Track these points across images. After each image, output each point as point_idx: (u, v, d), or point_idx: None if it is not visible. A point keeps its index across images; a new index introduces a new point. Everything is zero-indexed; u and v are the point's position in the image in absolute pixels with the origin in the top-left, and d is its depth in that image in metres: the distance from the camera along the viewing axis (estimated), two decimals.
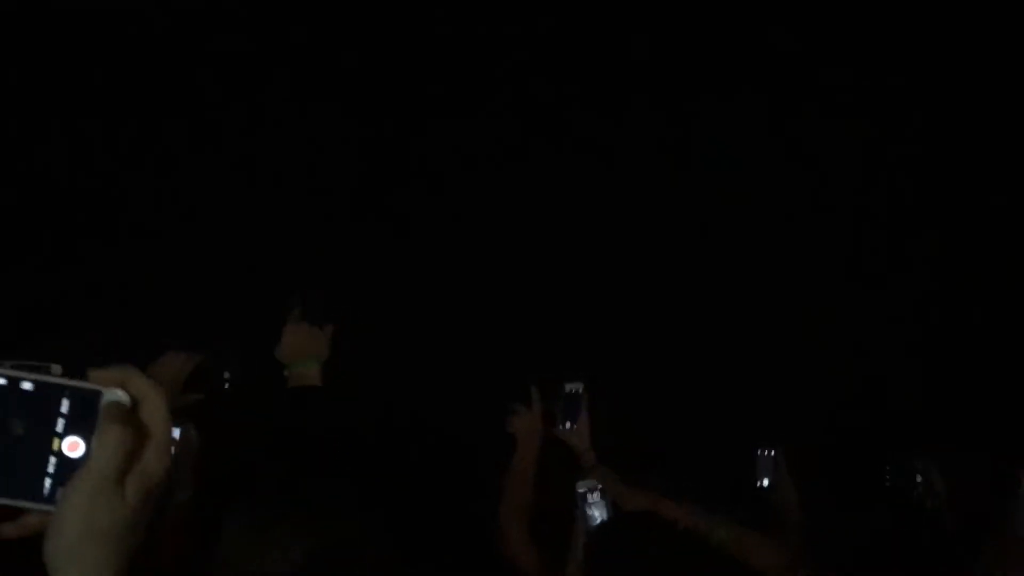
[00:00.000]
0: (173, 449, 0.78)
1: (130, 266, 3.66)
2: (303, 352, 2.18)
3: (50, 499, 0.74)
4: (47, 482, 0.74)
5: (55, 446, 0.74)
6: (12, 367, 0.74)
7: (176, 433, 2.12)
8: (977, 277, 4.01)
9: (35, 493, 0.74)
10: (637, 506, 2.44)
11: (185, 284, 3.66)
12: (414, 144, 4.02)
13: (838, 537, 2.22)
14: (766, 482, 2.88)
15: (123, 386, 0.76)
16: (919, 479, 2.67)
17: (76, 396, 0.75)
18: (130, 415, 0.75)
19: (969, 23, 3.93)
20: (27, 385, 0.74)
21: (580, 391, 2.78)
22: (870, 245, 4.09)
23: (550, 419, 2.78)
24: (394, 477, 2.21)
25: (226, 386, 2.45)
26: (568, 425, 2.75)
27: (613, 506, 2.54)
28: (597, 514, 2.51)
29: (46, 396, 0.74)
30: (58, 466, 0.74)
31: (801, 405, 3.71)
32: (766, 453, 2.91)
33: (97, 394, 0.75)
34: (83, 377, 0.76)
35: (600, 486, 2.55)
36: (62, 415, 0.75)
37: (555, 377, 2.83)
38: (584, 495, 2.53)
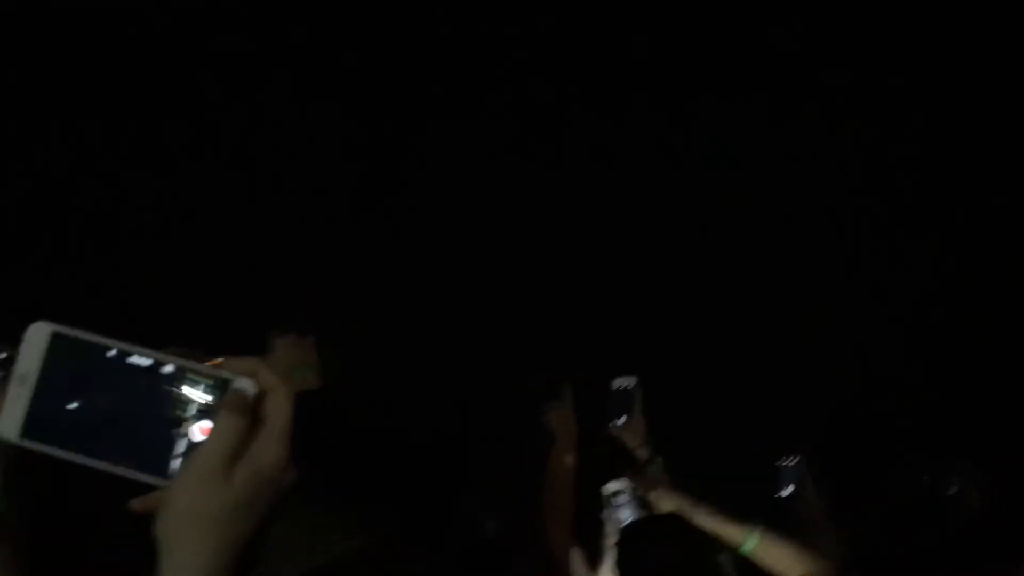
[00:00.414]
0: None
1: (128, 267, 3.65)
2: (297, 362, 2.25)
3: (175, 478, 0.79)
4: (175, 463, 0.79)
5: (186, 429, 0.78)
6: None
7: None
8: (978, 278, 4.00)
9: (163, 472, 0.79)
10: (669, 509, 2.42)
11: (184, 285, 3.65)
12: (415, 144, 4.01)
13: (888, 545, 2.20)
14: (790, 490, 2.86)
15: (253, 376, 0.79)
16: (954, 489, 2.64)
17: (210, 382, 0.79)
18: (254, 406, 0.77)
19: (969, 23, 3.92)
20: (168, 368, 0.79)
21: (632, 387, 2.77)
22: (873, 246, 4.07)
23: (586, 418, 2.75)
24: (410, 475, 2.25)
25: None
26: (620, 421, 2.73)
27: (643, 507, 2.52)
28: (626, 515, 2.49)
29: (182, 379, 0.79)
30: (188, 448, 0.78)
31: (819, 410, 3.71)
32: (788, 462, 2.89)
33: (227, 382, 0.79)
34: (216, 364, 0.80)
35: (630, 486, 2.53)
36: (195, 400, 0.79)
37: (571, 377, 2.80)
38: (612, 496, 2.51)
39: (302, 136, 3.89)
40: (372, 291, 3.77)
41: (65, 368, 0.78)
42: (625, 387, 2.79)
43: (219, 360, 0.81)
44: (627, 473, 2.60)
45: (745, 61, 3.98)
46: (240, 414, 0.76)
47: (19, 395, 0.78)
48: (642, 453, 2.74)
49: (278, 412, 0.77)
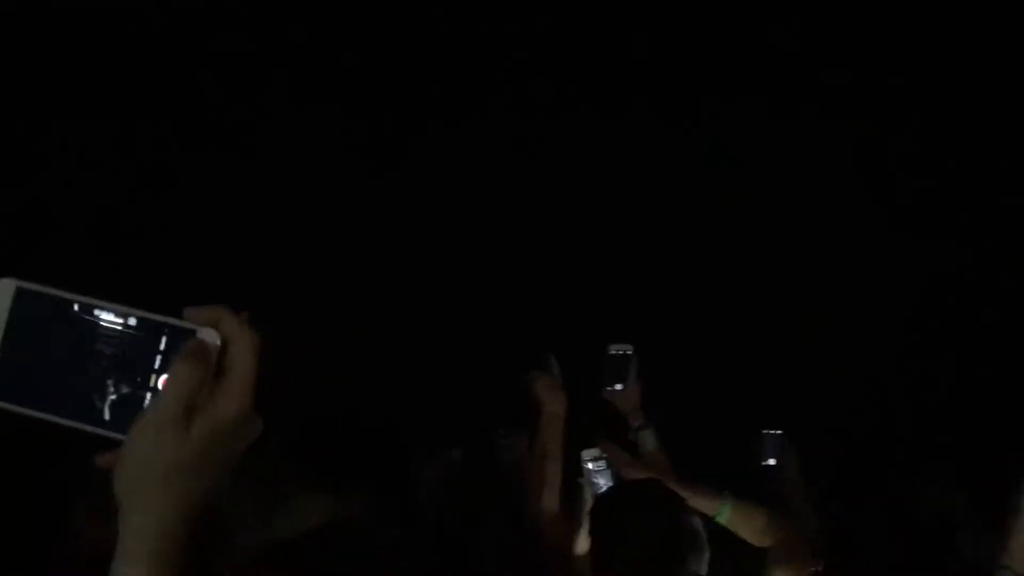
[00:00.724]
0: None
1: (128, 267, 3.66)
2: None
3: None
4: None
5: (152, 382, 0.77)
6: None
7: None
8: (984, 275, 4.01)
9: (127, 427, 0.76)
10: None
11: (184, 283, 3.66)
12: (415, 143, 4.02)
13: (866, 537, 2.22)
14: (771, 462, 2.88)
15: (216, 326, 0.76)
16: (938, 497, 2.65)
17: (174, 333, 0.77)
18: (218, 356, 0.75)
19: (969, 23, 3.92)
20: (132, 320, 0.77)
21: (629, 353, 2.75)
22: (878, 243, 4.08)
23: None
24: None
25: None
26: (616, 387, 2.72)
27: (617, 476, 2.52)
28: (602, 482, 2.49)
29: (147, 332, 0.77)
30: (152, 401, 0.76)
31: (810, 395, 3.73)
32: (772, 433, 2.92)
33: (192, 332, 0.76)
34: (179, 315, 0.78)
35: (604, 455, 2.53)
36: (160, 352, 0.77)
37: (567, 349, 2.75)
38: (589, 462, 2.51)
39: (300, 134, 3.88)
40: (376, 283, 3.78)
41: (31, 324, 0.77)
42: (621, 352, 2.77)
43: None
44: (601, 441, 2.58)
45: (745, 61, 3.98)
46: (196, 362, 0.73)
47: None
48: (635, 419, 2.74)
49: (241, 362, 0.74)
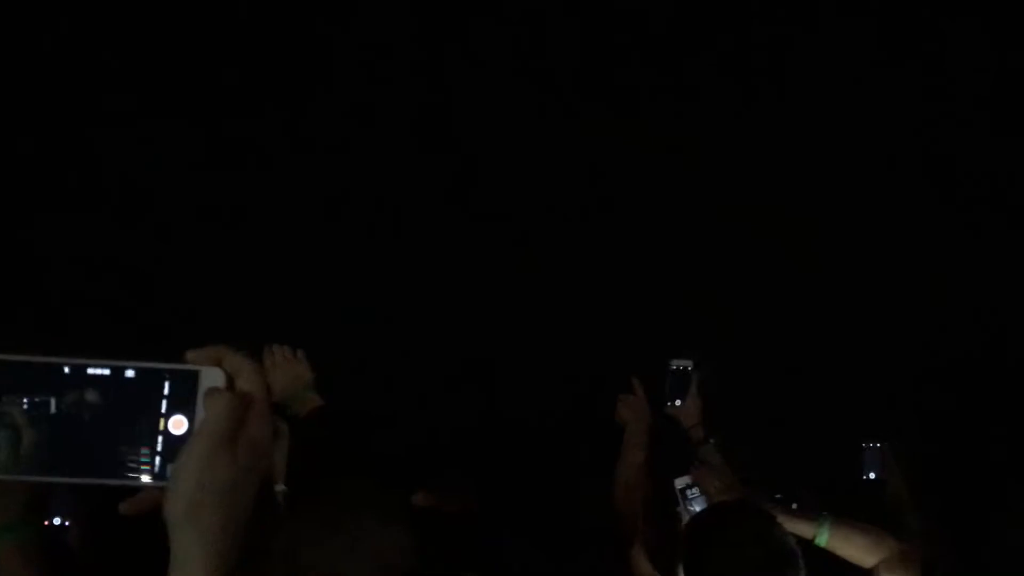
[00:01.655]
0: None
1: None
2: (294, 385, 2.29)
3: (160, 475, 0.80)
4: (157, 460, 0.80)
5: (161, 426, 0.80)
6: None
7: None
8: None
9: (148, 472, 0.80)
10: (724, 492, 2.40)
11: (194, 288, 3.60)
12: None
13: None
14: (872, 476, 2.84)
15: (219, 364, 0.81)
16: None
17: (176, 377, 0.81)
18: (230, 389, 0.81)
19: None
20: (129, 373, 0.81)
21: (689, 368, 2.75)
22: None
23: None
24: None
25: None
26: (677, 403, 2.72)
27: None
28: (698, 509, 2.47)
29: (148, 381, 0.81)
30: (164, 444, 0.80)
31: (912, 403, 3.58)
32: (873, 446, 2.86)
33: (195, 373, 0.81)
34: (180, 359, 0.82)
35: (696, 482, 2.52)
36: (165, 396, 0.81)
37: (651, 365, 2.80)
38: (684, 491, 2.51)
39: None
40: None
41: (23, 392, 0.79)
42: (682, 368, 2.77)
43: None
44: (692, 470, 2.59)
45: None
46: (229, 392, 0.80)
47: None
48: (696, 433, 2.71)
49: (254, 388, 0.81)
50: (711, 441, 2.66)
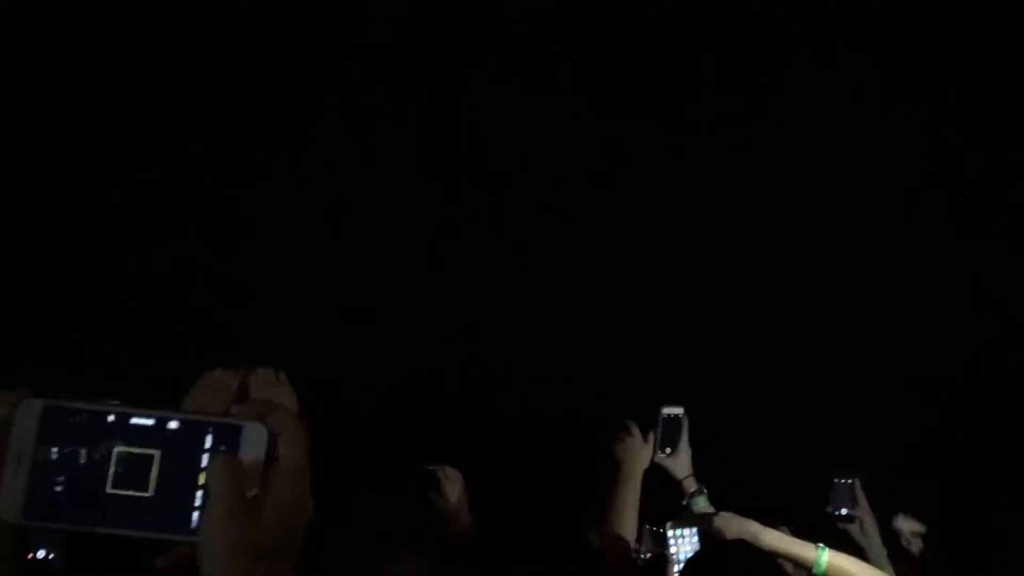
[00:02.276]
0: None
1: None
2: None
3: (196, 531, 0.79)
4: (195, 515, 0.79)
5: (200, 480, 0.79)
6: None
7: None
8: None
9: (184, 526, 0.79)
10: (734, 535, 2.39)
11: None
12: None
13: None
14: (843, 511, 2.81)
15: (263, 419, 0.80)
16: None
17: (219, 431, 0.80)
18: (270, 446, 0.80)
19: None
20: (173, 424, 0.80)
21: (680, 416, 2.75)
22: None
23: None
24: None
25: None
26: (667, 451, 2.71)
27: (706, 536, 2.52)
28: (688, 550, 2.50)
29: (191, 433, 0.80)
30: (204, 499, 0.79)
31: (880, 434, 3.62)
32: (844, 481, 2.84)
33: (239, 428, 0.80)
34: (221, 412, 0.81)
35: (691, 528, 2.54)
36: (206, 450, 0.80)
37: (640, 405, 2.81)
38: (674, 534, 2.53)
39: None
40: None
41: (64, 440, 0.79)
42: (673, 415, 2.75)
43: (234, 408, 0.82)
44: (680, 517, 2.63)
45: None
46: (222, 464, 0.78)
47: (16, 474, 0.78)
48: (689, 484, 2.72)
49: (293, 449, 0.80)
50: (704, 492, 2.67)
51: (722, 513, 2.47)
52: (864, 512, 2.74)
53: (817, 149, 3.89)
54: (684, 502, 2.68)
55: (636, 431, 2.69)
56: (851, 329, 3.89)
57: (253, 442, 0.79)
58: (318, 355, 3.51)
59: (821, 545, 2.23)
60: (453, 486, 2.65)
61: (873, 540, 2.66)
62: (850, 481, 2.81)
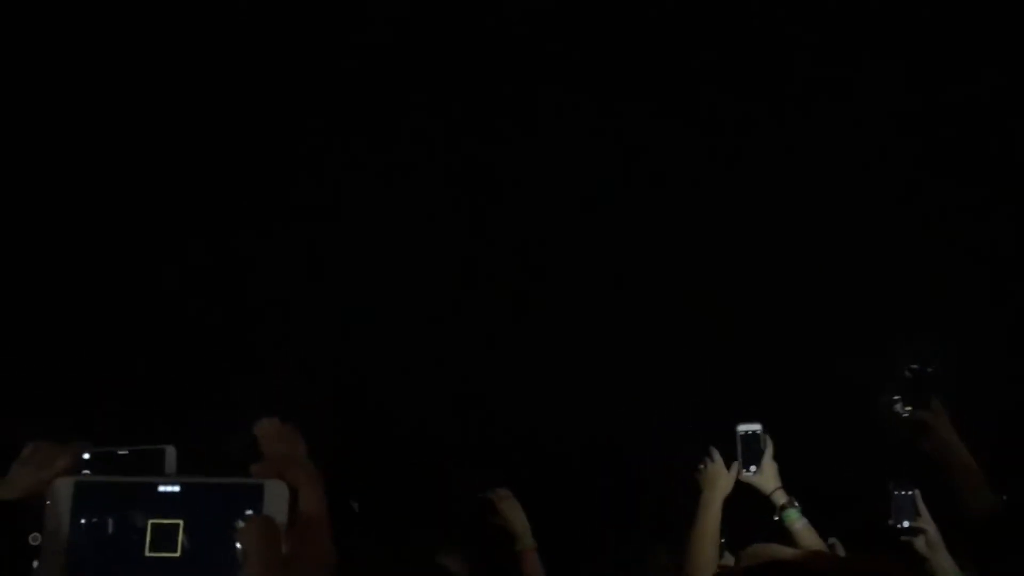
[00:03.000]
0: None
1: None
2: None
3: None
4: (231, 572, 0.82)
5: (233, 540, 0.82)
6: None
7: None
8: None
9: None
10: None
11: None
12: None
13: None
14: (906, 524, 2.76)
15: (282, 476, 0.83)
16: None
17: (243, 491, 0.83)
18: (291, 503, 0.83)
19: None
20: (198, 489, 0.84)
21: (759, 432, 2.76)
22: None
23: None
24: None
25: None
26: (752, 469, 2.73)
27: None
28: None
29: (213, 496, 0.83)
30: (236, 558, 0.81)
31: None
32: (904, 493, 2.78)
33: (259, 487, 0.83)
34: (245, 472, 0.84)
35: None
36: (233, 511, 0.82)
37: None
38: None
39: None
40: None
41: (96, 514, 0.82)
42: (751, 432, 2.77)
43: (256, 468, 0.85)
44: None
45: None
46: (256, 528, 0.80)
47: (53, 551, 0.81)
48: (778, 499, 2.71)
49: (312, 502, 0.83)
50: (796, 505, 2.65)
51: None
52: (927, 523, 2.69)
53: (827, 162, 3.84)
54: (776, 517, 2.68)
55: (717, 457, 2.73)
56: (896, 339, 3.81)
57: (275, 499, 0.82)
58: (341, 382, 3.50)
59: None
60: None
61: (939, 551, 2.62)
62: (910, 492, 2.75)
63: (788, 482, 2.76)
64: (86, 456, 1.63)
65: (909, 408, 2.63)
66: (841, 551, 2.56)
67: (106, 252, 3.61)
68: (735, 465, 2.72)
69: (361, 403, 3.76)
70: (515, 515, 2.78)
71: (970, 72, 3.78)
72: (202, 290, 3.67)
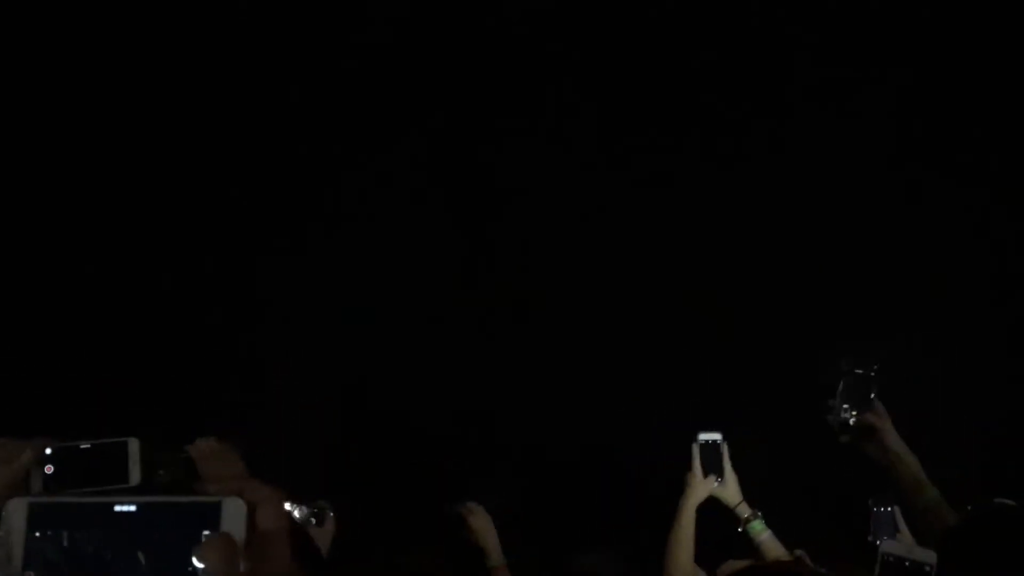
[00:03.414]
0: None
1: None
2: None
3: None
4: None
5: (190, 558, 0.80)
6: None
7: None
8: None
9: None
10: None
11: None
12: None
13: None
14: (884, 538, 2.67)
15: (240, 494, 0.82)
16: None
17: (199, 510, 0.82)
18: (250, 518, 0.82)
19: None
20: (156, 507, 0.83)
21: (719, 441, 2.70)
22: None
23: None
24: None
25: None
26: (718, 481, 2.69)
27: None
28: None
29: (171, 515, 0.83)
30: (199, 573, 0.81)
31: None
32: (884, 510, 2.77)
33: (217, 505, 0.82)
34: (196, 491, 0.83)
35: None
36: (190, 529, 0.82)
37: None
38: None
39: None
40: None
41: (51, 535, 0.81)
42: (711, 442, 2.71)
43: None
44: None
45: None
46: (211, 546, 0.80)
47: (7, 574, 0.80)
48: (742, 510, 2.68)
49: (271, 519, 0.83)
50: (759, 516, 2.64)
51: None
52: (906, 539, 2.64)
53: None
54: (740, 528, 2.65)
55: (695, 464, 2.68)
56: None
57: (233, 516, 0.81)
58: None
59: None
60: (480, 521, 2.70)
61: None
62: (890, 509, 2.74)
63: (784, 487, 2.74)
64: (48, 451, 1.62)
65: (855, 412, 2.56)
66: (808, 563, 2.53)
67: (106, 252, 3.61)
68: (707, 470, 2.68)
69: (361, 403, 3.75)
70: (485, 530, 2.73)
71: (970, 72, 3.78)
72: (202, 290, 3.66)
